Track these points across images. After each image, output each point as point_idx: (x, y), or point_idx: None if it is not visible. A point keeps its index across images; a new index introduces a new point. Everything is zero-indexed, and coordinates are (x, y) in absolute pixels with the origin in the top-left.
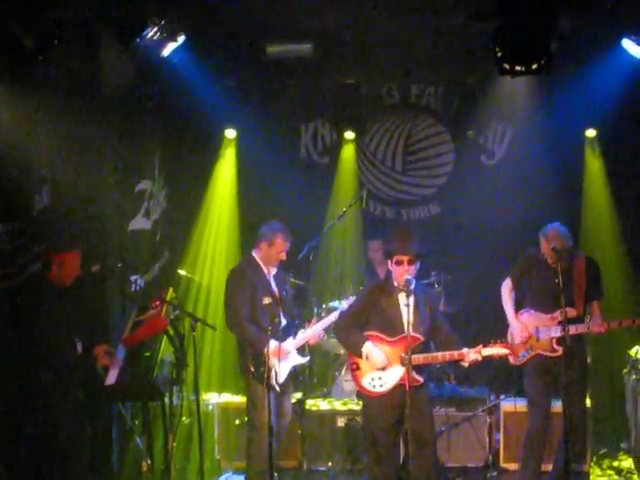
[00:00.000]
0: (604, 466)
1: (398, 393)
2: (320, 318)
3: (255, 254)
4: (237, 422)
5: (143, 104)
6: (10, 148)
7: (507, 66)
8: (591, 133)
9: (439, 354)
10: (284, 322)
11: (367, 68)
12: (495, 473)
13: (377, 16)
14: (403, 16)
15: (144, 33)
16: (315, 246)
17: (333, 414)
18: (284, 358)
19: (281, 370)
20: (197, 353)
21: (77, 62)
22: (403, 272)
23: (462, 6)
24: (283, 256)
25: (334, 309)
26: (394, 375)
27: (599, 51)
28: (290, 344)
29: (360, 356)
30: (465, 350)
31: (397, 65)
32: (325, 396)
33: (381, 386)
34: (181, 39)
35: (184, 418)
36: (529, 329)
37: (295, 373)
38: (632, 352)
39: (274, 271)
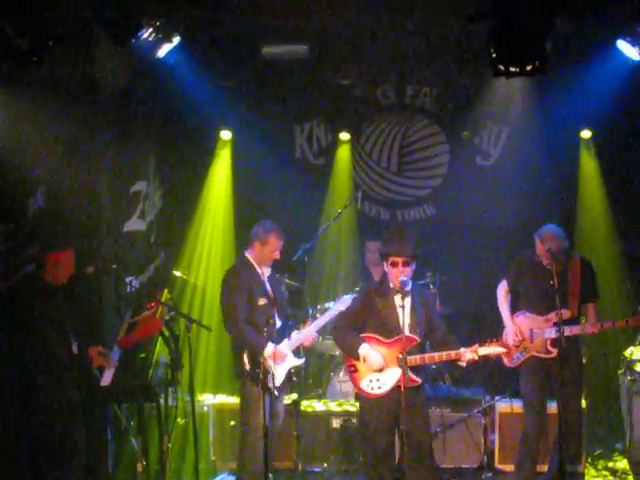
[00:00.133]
0: (599, 467)
1: (396, 394)
2: (315, 319)
3: (248, 255)
4: (232, 423)
5: (138, 105)
6: (5, 149)
7: (502, 67)
8: (586, 134)
9: (436, 354)
10: (279, 323)
11: (362, 69)
12: (490, 474)
13: (372, 17)
14: (398, 17)
15: (139, 34)
16: (310, 247)
17: (328, 415)
18: (281, 361)
19: (278, 373)
20: (192, 354)
21: (72, 63)
22: (398, 273)
23: (457, 7)
24: (277, 255)
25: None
26: (392, 377)
27: (594, 52)
28: (286, 346)
29: (357, 358)
30: (462, 350)
31: (392, 66)
32: (320, 397)
33: (379, 388)
34: (176, 40)
35: (179, 419)
36: (524, 331)
37: (290, 374)
38: (627, 353)
39: (268, 272)
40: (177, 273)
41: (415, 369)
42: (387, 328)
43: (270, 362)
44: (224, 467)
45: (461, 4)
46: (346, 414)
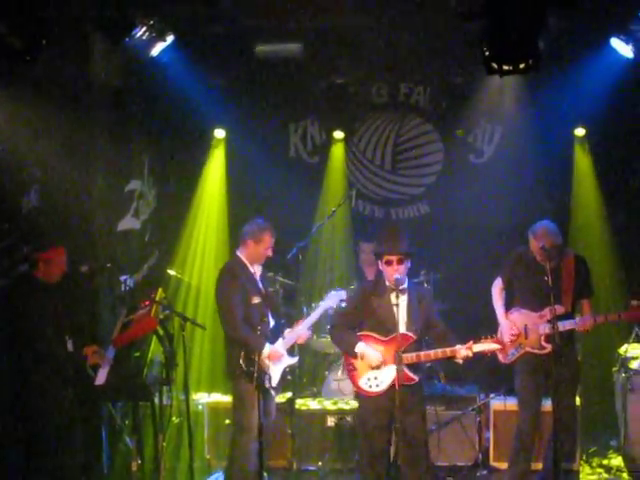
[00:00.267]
0: (594, 464)
1: (394, 393)
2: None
3: (240, 253)
4: (227, 422)
5: (132, 104)
6: None
7: (495, 65)
8: (580, 132)
9: (432, 352)
10: (272, 322)
11: (356, 68)
12: (485, 472)
13: (366, 16)
14: (392, 16)
15: (133, 33)
16: (304, 246)
17: (323, 413)
18: (278, 361)
19: (274, 373)
20: (187, 353)
21: (66, 62)
22: (393, 272)
23: (450, 6)
24: (270, 252)
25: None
26: (389, 375)
27: (588, 50)
28: (281, 345)
29: (355, 357)
30: (457, 347)
31: (386, 65)
32: (315, 395)
33: (377, 386)
34: (170, 39)
35: (174, 418)
36: (518, 328)
37: (284, 373)
38: (621, 350)
39: (259, 270)
40: (171, 272)
41: (413, 367)
42: (384, 326)
43: (267, 362)
44: (219, 466)
45: (454, 3)
46: (341, 412)
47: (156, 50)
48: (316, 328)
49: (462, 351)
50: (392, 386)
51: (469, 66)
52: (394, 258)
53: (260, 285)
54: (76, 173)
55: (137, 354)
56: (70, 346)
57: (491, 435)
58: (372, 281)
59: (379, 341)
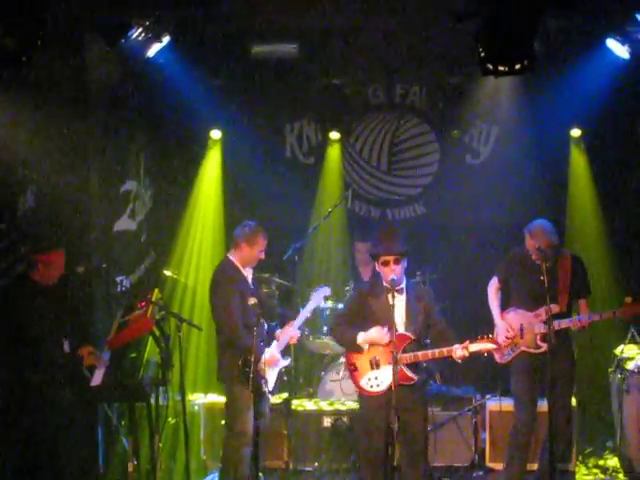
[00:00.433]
0: (590, 465)
1: (396, 392)
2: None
3: (232, 257)
4: (223, 422)
5: (128, 105)
6: None
7: (491, 66)
8: (576, 132)
9: (429, 351)
10: (265, 325)
11: (352, 68)
12: (481, 472)
13: (362, 17)
14: (387, 16)
15: (129, 34)
16: (300, 246)
17: (319, 414)
18: (275, 365)
19: (270, 377)
20: (183, 354)
21: (61, 63)
22: (389, 272)
23: (446, 6)
24: (262, 255)
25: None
26: (389, 374)
27: (584, 51)
28: (275, 348)
29: (360, 350)
30: (454, 347)
31: (382, 65)
32: (311, 396)
33: (378, 386)
34: (166, 40)
35: (170, 418)
36: (514, 328)
37: (280, 374)
38: (618, 351)
39: (250, 273)
40: (167, 272)
41: (412, 367)
42: (382, 327)
43: (264, 367)
44: (215, 466)
45: (450, 3)
46: (337, 413)
47: (152, 51)
48: (312, 329)
49: (458, 351)
50: (396, 385)
51: (465, 67)
52: (390, 258)
53: (252, 288)
54: (72, 174)
55: (133, 355)
56: (66, 347)
57: (487, 436)
58: (369, 282)
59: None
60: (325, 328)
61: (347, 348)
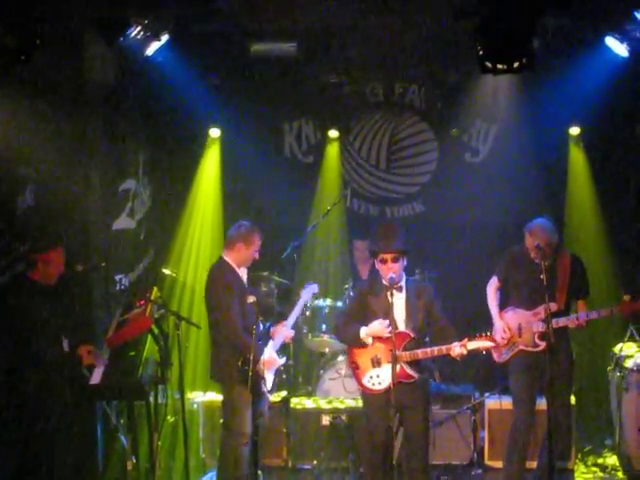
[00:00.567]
0: (589, 463)
1: (397, 390)
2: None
3: (227, 257)
4: (221, 422)
5: (127, 103)
6: None
7: (489, 64)
8: (575, 131)
9: (428, 349)
10: (261, 326)
11: (351, 67)
12: (480, 471)
13: (360, 15)
14: (386, 15)
15: (127, 32)
16: (299, 245)
17: (318, 412)
18: (273, 366)
19: (268, 377)
20: (182, 352)
21: (60, 62)
22: (388, 270)
23: (444, 4)
24: (257, 255)
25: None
26: (390, 372)
27: (582, 49)
28: (271, 348)
29: (364, 345)
30: (453, 344)
31: (380, 64)
32: (310, 394)
33: (379, 384)
34: (164, 38)
35: (169, 417)
36: (512, 327)
37: (277, 372)
38: (616, 349)
39: (245, 274)
40: (166, 271)
41: (413, 365)
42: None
43: (262, 367)
44: (214, 464)
45: (449, 1)
46: (336, 411)
47: (151, 49)
48: (310, 327)
49: (456, 349)
50: (395, 383)
51: (464, 65)
52: (389, 256)
53: (248, 288)
54: (71, 172)
55: (132, 353)
56: (65, 346)
57: (486, 434)
58: (368, 280)
59: (379, 339)
60: (324, 326)
61: (351, 344)
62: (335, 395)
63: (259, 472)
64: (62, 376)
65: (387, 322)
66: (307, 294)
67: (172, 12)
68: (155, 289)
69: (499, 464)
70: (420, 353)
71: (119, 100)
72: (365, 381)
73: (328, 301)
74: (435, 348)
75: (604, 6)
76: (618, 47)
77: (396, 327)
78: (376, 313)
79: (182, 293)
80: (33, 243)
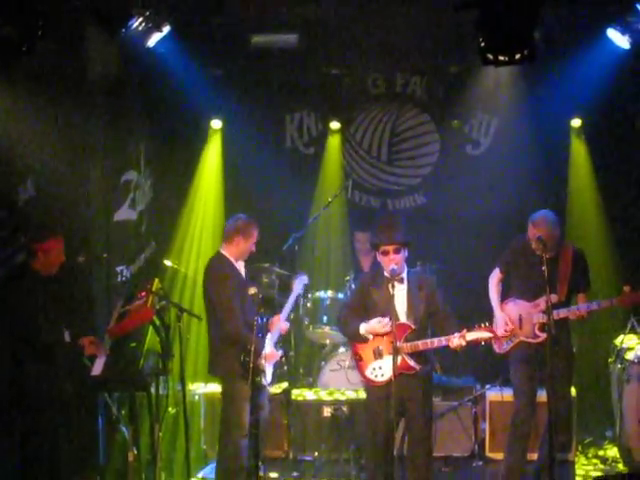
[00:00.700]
0: (589, 455)
1: (400, 382)
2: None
3: (225, 251)
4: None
5: (128, 94)
6: None
7: (490, 56)
8: (576, 123)
9: (428, 341)
10: (259, 320)
11: (352, 58)
12: (481, 462)
13: (362, 6)
14: (387, 6)
15: (129, 24)
16: (301, 236)
17: (319, 404)
18: (273, 360)
19: (268, 370)
20: (183, 343)
21: (62, 53)
22: (389, 262)
23: None
24: (254, 247)
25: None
26: (391, 364)
27: (584, 41)
28: (270, 341)
29: (365, 340)
30: (452, 335)
31: (382, 55)
32: (311, 386)
33: (382, 375)
34: (166, 29)
35: (170, 408)
36: (513, 318)
37: (280, 364)
38: (617, 341)
39: (242, 267)
40: (168, 262)
41: (415, 356)
42: (383, 317)
43: (263, 362)
44: (215, 456)
45: None
46: (337, 403)
47: (152, 41)
48: (312, 319)
49: (455, 339)
50: (396, 375)
51: (465, 57)
52: (390, 248)
53: (247, 281)
54: (72, 164)
55: (133, 344)
56: (67, 336)
57: (487, 426)
58: (370, 272)
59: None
60: (325, 318)
61: (352, 339)
62: (336, 387)
63: (259, 463)
64: (63, 367)
65: (386, 320)
66: (298, 285)
67: (174, 3)
68: (156, 280)
69: (500, 456)
70: (420, 344)
71: (121, 91)
72: (368, 373)
73: (329, 293)
74: (435, 339)
75: None
76: (620, 39)
77: (397, 319)
78: (378, 305)
79: (183, 284)
80: (34, 234)
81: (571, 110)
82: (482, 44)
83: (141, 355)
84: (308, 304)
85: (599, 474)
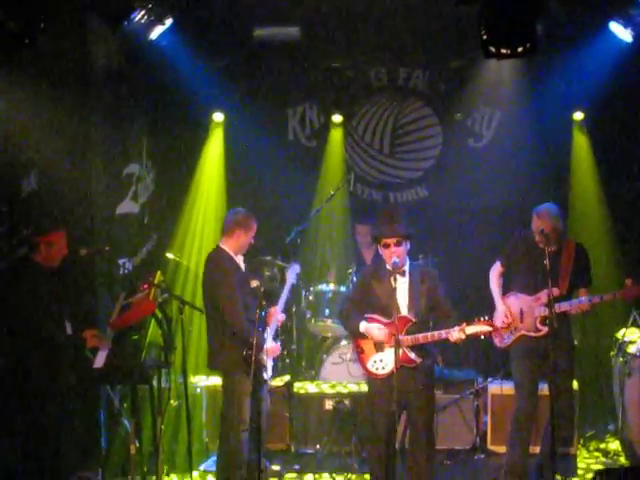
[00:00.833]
0: (591, 448)
1: (401, 374)
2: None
3: (225, 245)
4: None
5: (130, 87)
6: None
7: (493, 49)
8: (578, 116)
9: (428, 334)
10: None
11: (355, 51)
12: (483, 456)
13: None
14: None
15: (131, 16)
16: (303, 229)
17: (321, 397)
18: (274, 354)
19: (269, 364)
20: (185, 336)
21: (64, 46)
22: (391, 255)
23: None
24: (252, 240)
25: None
26: (392, 357)
27: (586, 34)
28: (269, 335)
29: (364, 337)
30: (452, 329)
31: (384, 48)
32: (313, 379)
33: (383, 368)
34: (168, 22)
35: (172, 401)
36: (514, 312)
37: (282, 357)
38: (619, 335)
39: (242, 261)
40: (170, 255)
41: (416, 349)
42: (386, 310)
43: (264, 356)
44: (217, 449)
45: None
46: (339, 396)
47: (155, 34)
48: (314, 312)
49: (454, 333)
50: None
51: (467, 50)
52: (392, 241)
53: (246, 274)
54: (75, 157)
55: (135, 337)
56: (69, 329)
57: (489, 419)
58: (373, 265)
59: (383, 323)
60: (327, 311)
61: (352, 334)
62: (338, 380)
63: (262, 457)
64: (65, 359)
65: (386, 332)
66: (292, 275)
67: None
68: (159, 273)
69: (502, 449)
70: (421, 337)
71: (123, 84)
72: (369, 365)
73: (331, 286)
74: (435, 332)
75: None
76: (622, 32)
77: (399, 311)
78: (380, 298)
79: (186, 277)
80: (36, 226)
81: (573, 103)
82: (484, 37)
83: (143, 348)
84: (310, 297)
85: (601, 467)
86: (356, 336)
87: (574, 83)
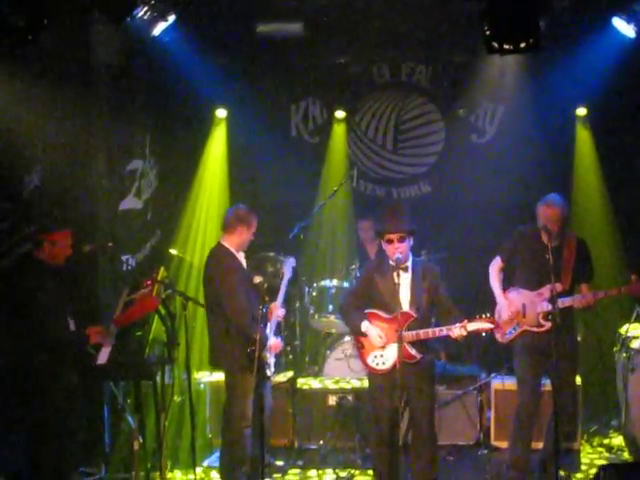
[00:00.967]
0: (595, 443)
1: (401, 370)
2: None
3: (226, 242)
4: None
5: (133, 84)
6: (0, 128)
7: (496, 45)
8: (582, 111)
9: (430, 330)
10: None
11: (357, 47)
12: (486, 451)
13: None
14: None
15: (134, 13)
16: (306, 225)
17: (324, 393)
18: (276, 351)
19: (271, 361)
20: (188, 332)
21: (67, 42)
22: (394, 250)
23: None
24: (253, 237)
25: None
26: (393, 353)
27: (589, 29)
28: (271, 331)
29: (364, 335)
30: (453, 326)
31: (387, 44)
32: (316, 375)
33: (383, 364)
34: (171, 18)
35: (176, 397)
36: (516, 306)
37: (286, 352)
38: (622, 330)
39: (243, 258)
40: (173, 251)
41: (417, 345)
42: (388, 305)
43: (267, 354)
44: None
45: None
46: (342, 391)
47: (157, 30)
48: (317, 308)
49: (456, 330)
50: (399, 363)
51: (470, 45)
52: (395, 236)
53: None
54: (78, 153)
55: (139, 333)
56: (72, 326)
57: (492, 414)
58: (376, 260)
59: (383, 319)
60: (330, 307)
61: (352, 331)
62: (341, 375)
63: (265, 452)
64: (68, 356)
65: (382, 339)
66: (288, 269)
67: None
68: (162, 269)
69: (505, 444)
70: (421, 333)
71: (126, 80)
72: (370, 361)
73: (335, 282)
74: (436, 329)
75: None
76: (625, 28)
77: (400, 307)
78: (382, 293)
79: (189, 273)
80: (39, 224)
81: (576, 99)
82: (487, 33)
83: (147, 344)
84: (314, 293)
85: (604, 462)
86: (355, 334)
87: (577, 79)
